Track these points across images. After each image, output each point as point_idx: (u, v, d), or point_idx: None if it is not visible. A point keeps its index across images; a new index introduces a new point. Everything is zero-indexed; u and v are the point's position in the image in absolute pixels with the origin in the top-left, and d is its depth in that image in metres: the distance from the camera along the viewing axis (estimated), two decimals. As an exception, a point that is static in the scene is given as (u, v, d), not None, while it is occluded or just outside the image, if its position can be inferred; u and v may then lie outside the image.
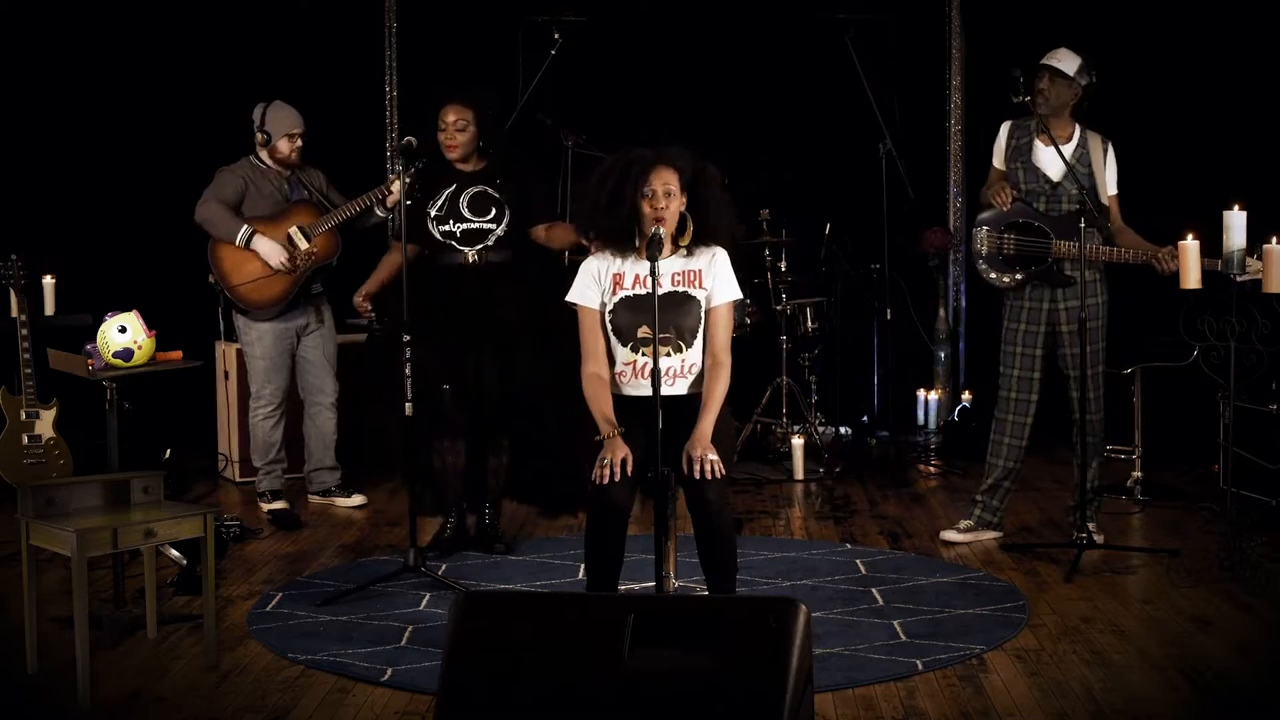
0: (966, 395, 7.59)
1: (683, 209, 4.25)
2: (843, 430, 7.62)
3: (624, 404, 4.25)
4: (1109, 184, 5.45)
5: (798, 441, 6.93)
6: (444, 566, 5.25)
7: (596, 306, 4.30)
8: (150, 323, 4.63)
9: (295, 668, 4.23)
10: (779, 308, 7.24)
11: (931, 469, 7.17)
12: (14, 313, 6.02)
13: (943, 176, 8.01)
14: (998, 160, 5.59)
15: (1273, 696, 4.04)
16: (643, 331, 4.22)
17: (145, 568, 4.53)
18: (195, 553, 4.87)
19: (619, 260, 4.30)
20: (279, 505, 6.18)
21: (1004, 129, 5.58)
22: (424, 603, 4.84)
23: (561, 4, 7.50)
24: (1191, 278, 4.96)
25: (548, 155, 7.10)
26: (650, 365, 4.08)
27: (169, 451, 6.63)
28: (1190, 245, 4.97)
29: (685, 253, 4.30)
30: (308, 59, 7.53)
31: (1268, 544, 5.20)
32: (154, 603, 4.50)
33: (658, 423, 3.96)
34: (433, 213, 5.40)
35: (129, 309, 4.62)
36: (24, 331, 6.01)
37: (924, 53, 7.95)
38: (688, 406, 4.22)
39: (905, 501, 6.47)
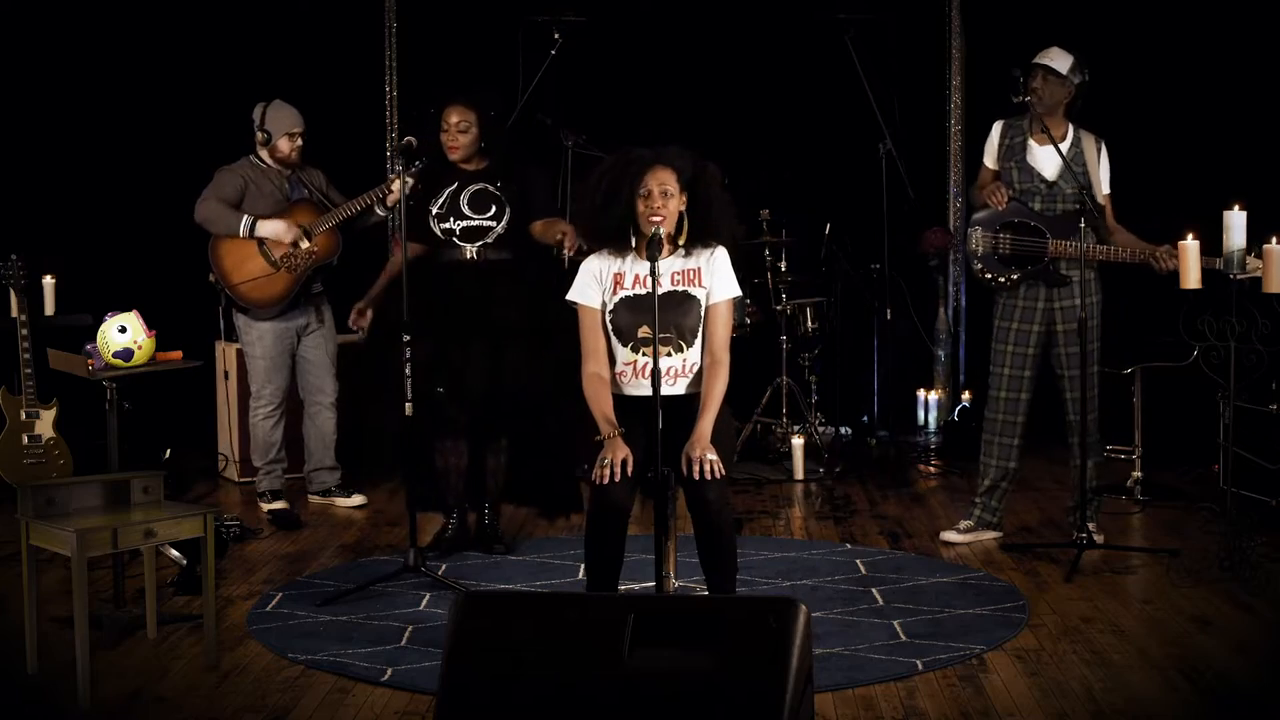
0: (966, 395, 7.60)
1: (682, 208, 4.25)
2: (843, 430, 7.62)
3: (625, 404, 4.24)
4: (1103, 183, 5.45)
5: (798, 441, 6.93)
6: (444, 566, 5.25)
7: (597, 306, 4.30)
8: (150, 323, 4.63)
9: (295, 668, 4.23)
10: (779, 308, 7.24)
11: (931, 469, 7.17)
12: (14, 313, 6.01)
13: (943, 176, 8.01)
14: (989, 160, 5.59)
15: (1273, 696, 4.04)
16: (643, 331, 4.22)
17: (145, 568, 4.53)
18: (195, 553, 4.87)
19: (619, 260, 4.30)
20: (279, 505, 6.18)
21: (996, 128, 5.57)
22: (424, 603, 4.84)
23: (561, 4, 7.50)
24: (1191, 278, 4.96)
25: (548, 155, 7.09)
26: (651, 365, 4.08)
27: (169, 451, 6.63)
28: (1190, 245, 4.97)
29: (684, 252, 4.30)
30: (308, 59, 7.53)
31: (1268, 544, 5.20)
32: (154, 603, 4.50)
33: (658, 423, 3.96)
34: (434, 210, 5.41)
35: (129, 309, 4.62)
36: (24, 331, 6.00)
37: (924, 53, 7.95)
38: (688, 406, 4.22)
39: (905, 501, 6.47)
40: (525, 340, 5.31)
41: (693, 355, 4.27)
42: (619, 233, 4.26)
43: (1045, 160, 5.44)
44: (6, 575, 5.15)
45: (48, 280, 6.17)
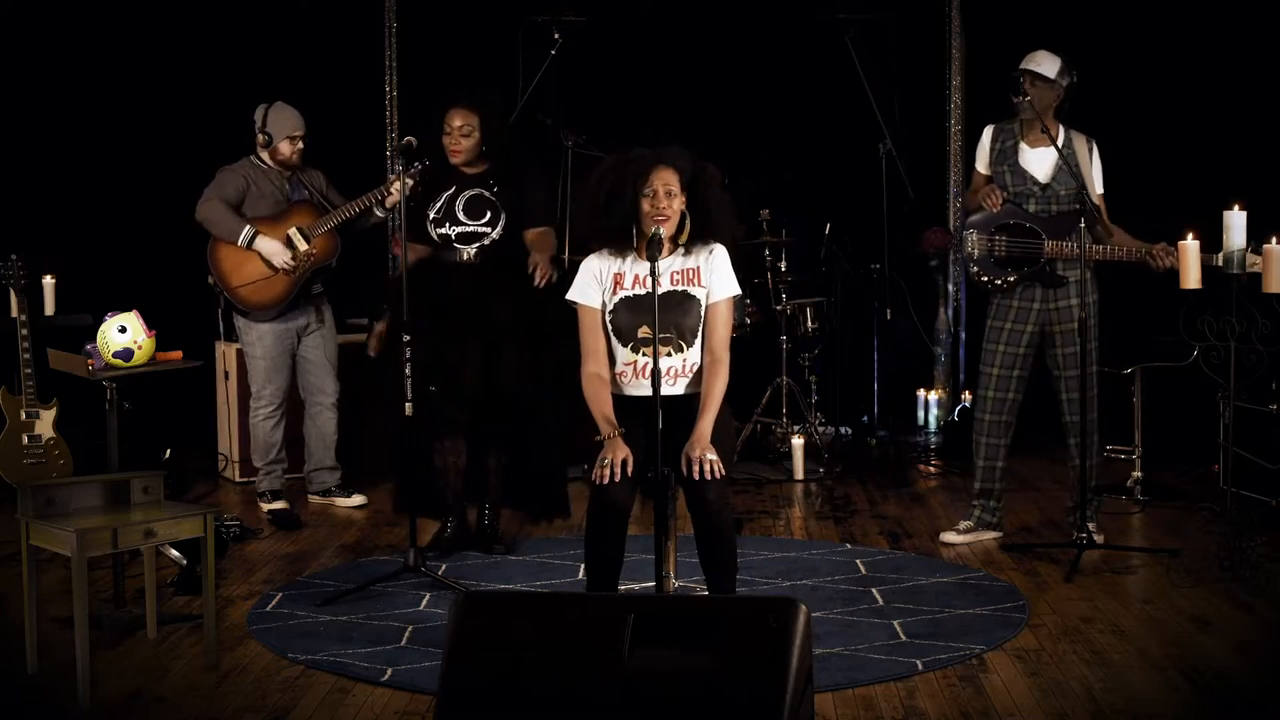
0: (966, 395, 7.59)
1: (682, 208, 4.25)
2: (843, 430, 7.62)
3: (625, 404, 4.24)
4: (1096, 183, 5.45)
5: (798, 441, 6.93)
6: (444, 566, 5.25)
7: (597, 305, 4.30)
8: (150, 323, 4.63)
9: (295, 668, 4.23)
10: (779, 308, 7.24)
11: (931, 469, 7.17)
12: (14, 313, 6.02)
13: (943, 176, 8.01)
14: (981, 165, 5.59)
15: (1273, 696, 4.04)
16: (643, 331, 4.22)
17: (145, 568, 4.53)
18: (195, 553, 4.87)
19: (619, 260, 4.30)
20: (279, 505, 6.18)
21: (987, 133, 5.58)
22: (424, 603, 4.84)
23: (561, 4, 7.51)
24: (1191, 278, 4.96)
25: (548, 155, 7.09)
26: (651, 365, 4.08)
27: (169, 451, 6.63)
28: (1190, 245, 4.97)
29: (684, 251, 4.30)
30: (308, 59, 7.53)
31: (1268, 544, 5.20)
32: (154, 603, 4.50)
33: (658, 423, 3.96)
34: (431, 215, 5.41)
35: (129, 309, 4.62)
36: (24, 331, 6.01)
37: (924, 53, 7.95)
38: (688, 406, 4.21)
39: (905, 501, 6.47)
40: (522, 341, 5.31)
41: (693, 355, 4.27)
42: (622, 233, 4.26)
43: (1037, 162, 5.44)
44: (6, 575, 5.15)
45: (48, 280, 6.18)
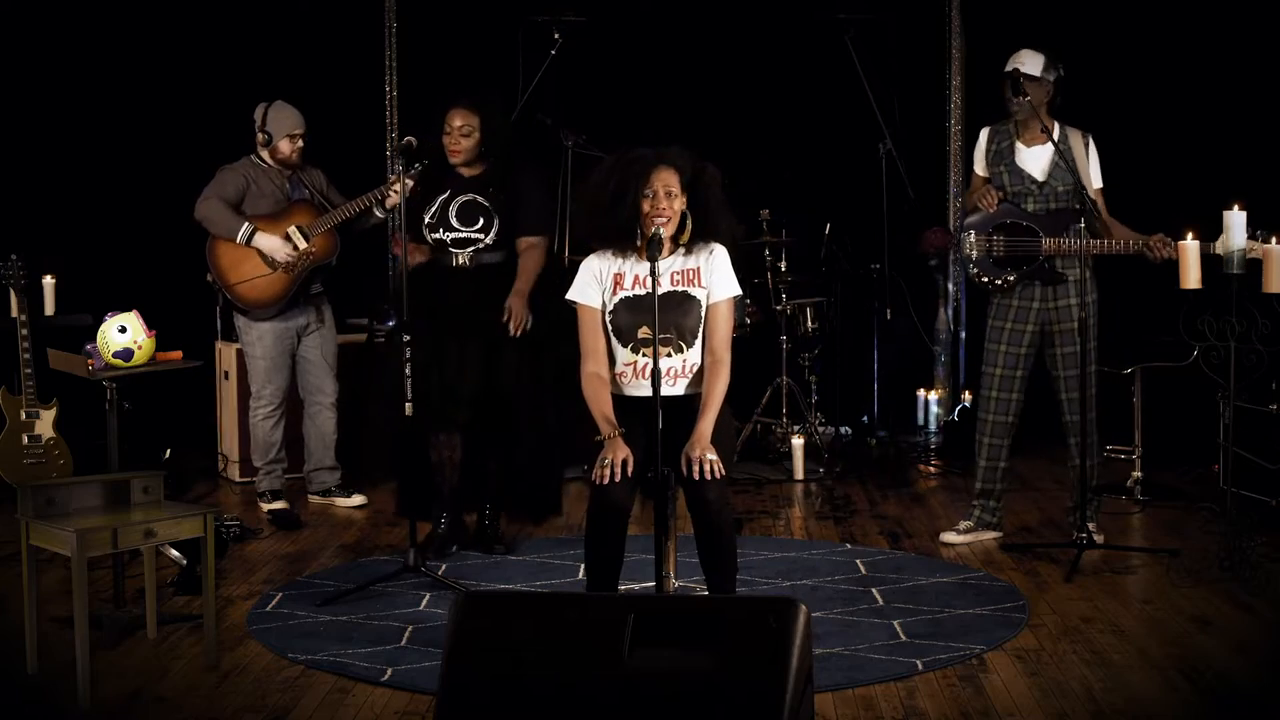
0: (966, 395, 7.59)
1: (683, 209, 4.25)
2: (843, 430, 7.62)
3: (624, 404, 4.24)
4: (1094, 178, 5.44)
5: (798, 441, 6.93)
6: (444, 566, 5.25)
7: (597, 306, 4.30)
8: (150, 323, 4.63)
9: (295, 668, 4.23)
10: (779, 308, 7.24)
11: (931, 469, 7.17)
12: (14, 313, 6.02)
13: (943, 176, 8.01)
14: (979, 167, 5.60)
15: (1273, 696, 4.04)
16: (643, 332, 4.22)
17: (145, 568, 4.53)
18: (195, 553, 4.87)
19: (619, 260, 4.30)
20: (279, 505, 6.18)
21: (983, 135, 5.59)
22: (424, 603, 4.84)
23: (561, 4, 7.50)
24: (1191, 278, 4.96)
25: (548, 155, 7.10)
26: (651, 365, 4.08)
27: (169, 451, 6.63)
28: (1190, 245, 4.97)
29: (684, 251, 4.30)
30: (308, 59, 7.53)
31: (1268, 544, 5.20)
32: (154, 603, 4.50)
33: (658, 423, 3.96)
34: (426, 219, 5.40)
35: (129, 309, 4.62)
36: (24, 331, 6.01)
37: (924, 53, 7.94)
38: (688, 407, 4.21)
39: (905, 501, 6.47)
40: (519, 345, 5.32)
41: (693, 356, 4.27)
42: (622, 233, 4.25)
43: (1033, 161, 5.45)
44: (6, 575, 5.15)
45: (48, 280, 6.18)
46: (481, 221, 5.35)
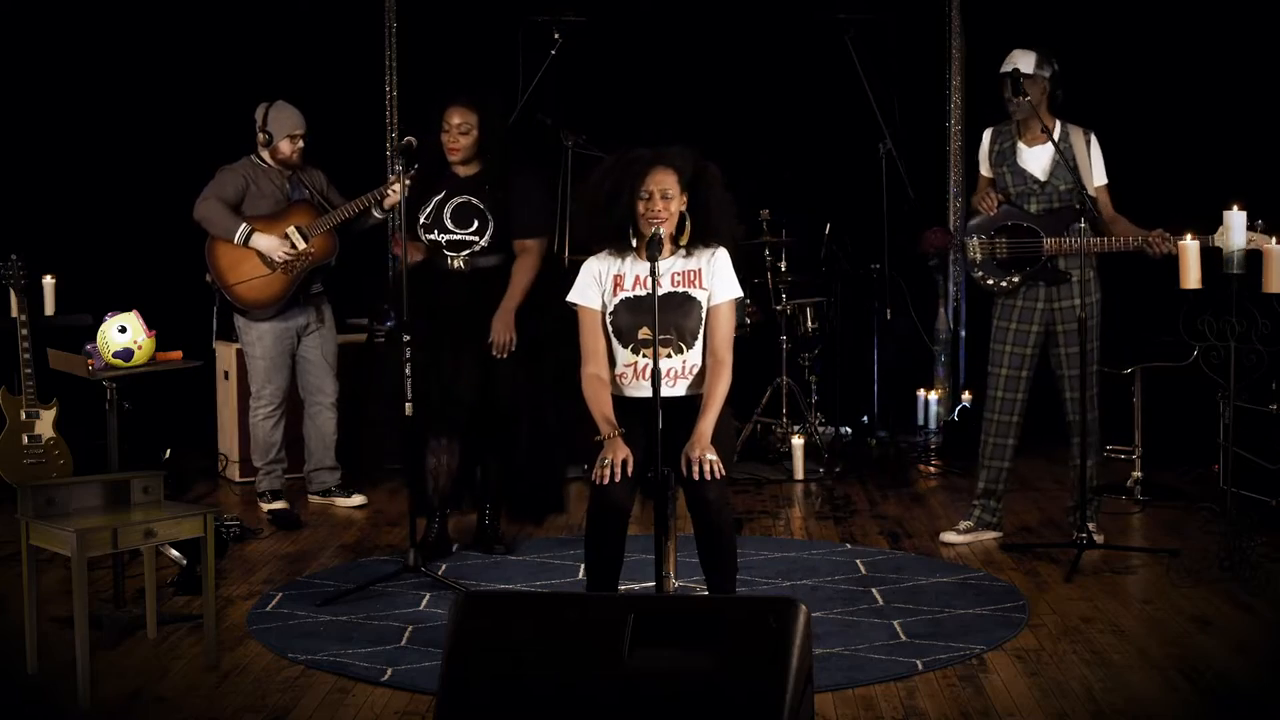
0: (966, 395, 7.59)
1: (683, 209, 4.25)
2: (843, 430, 7.62)
3: (625, 405, 4.24)
4: (1096, 175, 5.44)
5: (798, 441, 6.93)
6: (444, 566, 5.25)
7: (597, 307, 4.30)
8: (150, 323, 4.63)
9: (295, 668, 4.23)
10: (779, 308, 7.24)
11: (931, 469, 7.17)
12: (14, 313, 6.02)
13: (943, 176, 8.00)
14: (984, 168, 5.61)
15: (1273, 696, 4.04)
16: (643, 333, 4.22)
17: (145, 568, 4.53)
18: (195, 553, 4.87)
19: (619, 261, 4.30)
20: (279, 505, 6.18)
21: (986, 136, 5.60)
22: (424, 603, 4.84)
23: (561, 4, 7.50)
24: (1191, 278, 4.96)
25: (548, 155, 7.09)
26: (651, 366, 4.08)
27: (169, 451, 6.63)
28: (1190, 245, 4.97)
29: (685, 252, 4.30)
30: (308, 59, 7.53)
31: (1268, 544, 5.20)
32: (154, 603, 4.50)
33: (658, 423, 3.96)
34: (420, 219, 5.38)
35: (129, 309, 4.62)
36: (24, 331, 6.01)
37: (924, 53, 7.94)
38: (688, 407, 4.21)
39: (905, 501, 6.47)
40: (516, 350, 5.30)
41: (693, 357, 4.27)
42: (619, 233, 4.25)
43: (1034, 160, 5.45)
44: (6, 575, 5.15)
45: (48, 280, 6.18)
46: (476, 224, 5.34)
